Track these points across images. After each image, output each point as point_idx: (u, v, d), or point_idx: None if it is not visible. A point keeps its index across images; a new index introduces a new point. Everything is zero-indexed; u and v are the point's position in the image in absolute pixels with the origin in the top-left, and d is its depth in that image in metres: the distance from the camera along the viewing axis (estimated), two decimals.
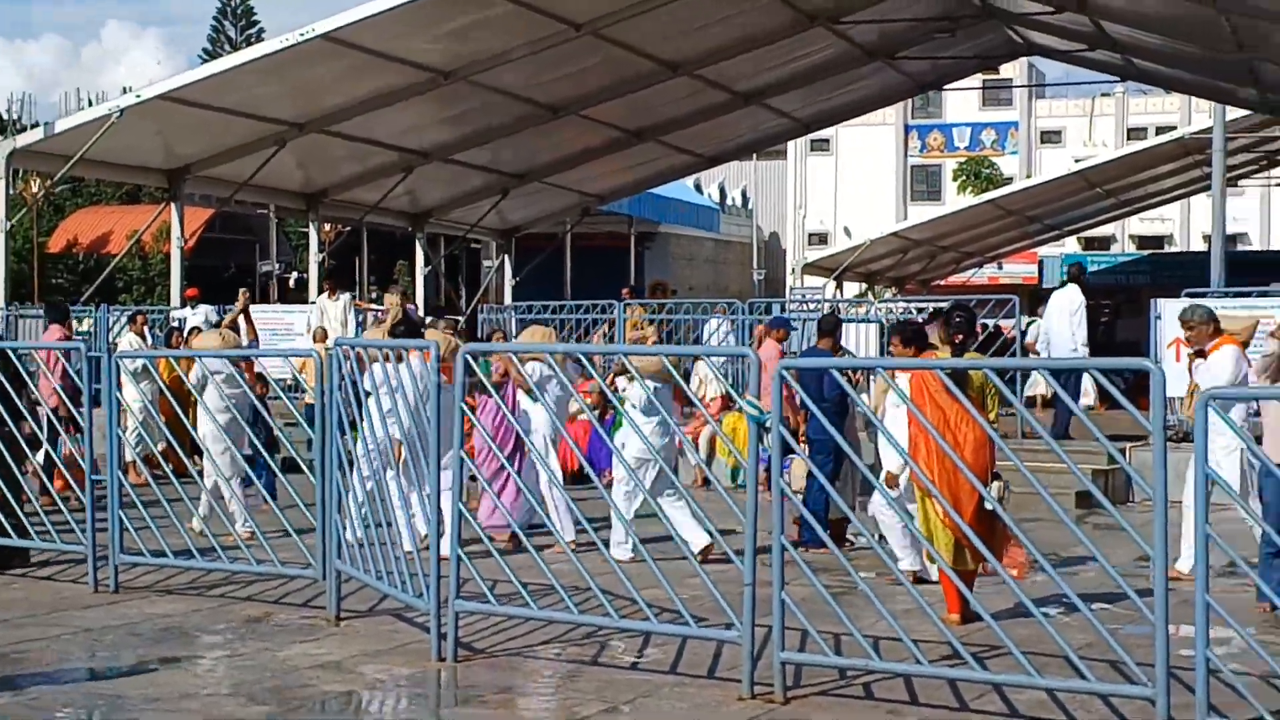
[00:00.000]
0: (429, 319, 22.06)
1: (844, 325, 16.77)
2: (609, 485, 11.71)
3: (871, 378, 13.59)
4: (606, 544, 9.71)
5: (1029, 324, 26.66)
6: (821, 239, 69.37)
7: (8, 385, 11.18)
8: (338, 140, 22.17)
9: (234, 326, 15.39)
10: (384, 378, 9.34)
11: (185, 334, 17.37)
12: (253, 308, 23.76)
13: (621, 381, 11.85)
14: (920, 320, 19.10)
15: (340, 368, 9.41)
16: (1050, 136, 72.32)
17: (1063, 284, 19.16)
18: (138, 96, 19.38)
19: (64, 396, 12.43)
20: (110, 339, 20.00)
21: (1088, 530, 9.30)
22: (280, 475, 10.65)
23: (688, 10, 19.92)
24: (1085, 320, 18.03)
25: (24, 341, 17.91)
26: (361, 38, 18.34)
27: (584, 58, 20.77)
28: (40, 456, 12.25)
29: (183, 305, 21.68)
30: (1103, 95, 70.11)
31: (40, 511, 11.36)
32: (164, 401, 13.15)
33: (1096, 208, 41.29)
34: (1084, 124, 71.13)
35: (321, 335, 19.10)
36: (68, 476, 11.57)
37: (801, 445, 11.42)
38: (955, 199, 64.66)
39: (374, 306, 23.09)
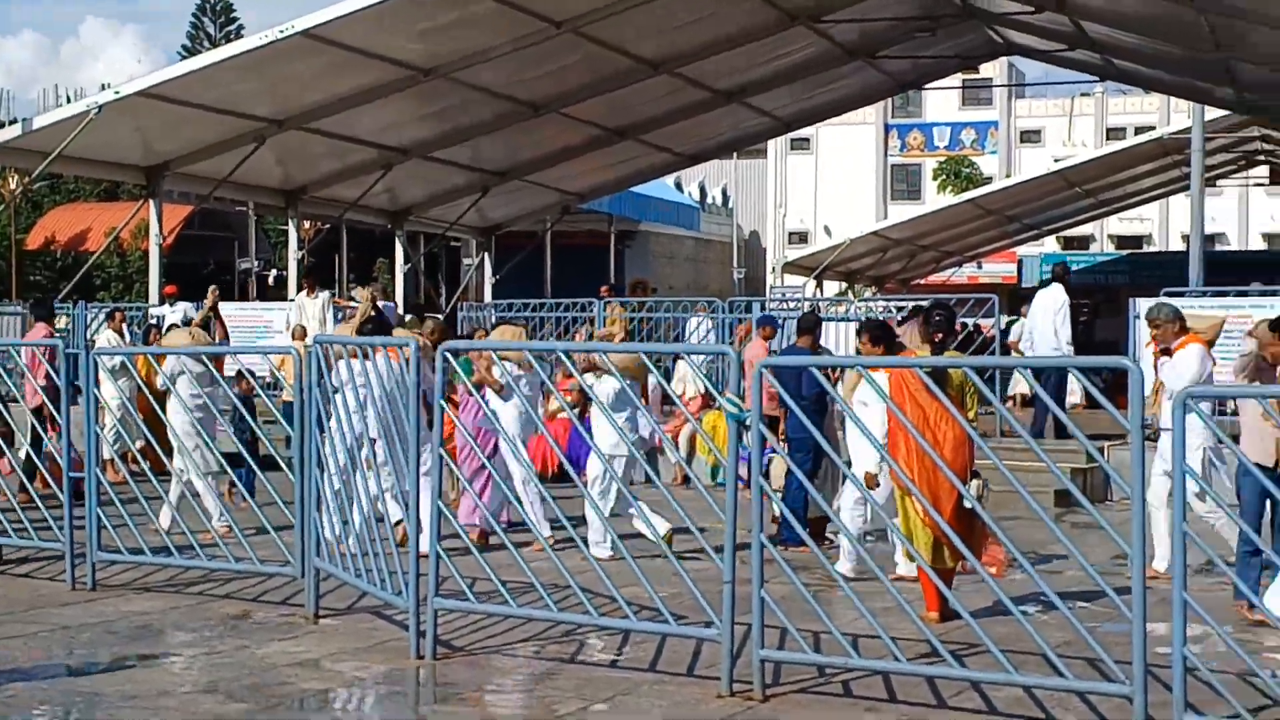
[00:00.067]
0: (408, 316, 22.08)
1: (824, 324, 16.80)
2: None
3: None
4: (585, 542, 9.71)
5: (1009, 322, 26.74)
6: (802, 238, 69.45)
7: None
8: (317, 137, 22.11)
9: (205, 325, 15.35)
10: (349, 376, 9.32)
11: (164, 331, 17.33)
12: (232, 305, 23.86)
13: (590, 378, 11.86)
14: (885, 319, 19.15)
15: (319, 365, 9.40)
16: (1030, 136, 72.49)
17: (1043, 283, 19.22)
18: (116, 93, 19.30)
19: (45, 397, 12.40)
20: (88, 336, 19.93)
21: (1066, 529, 9.33)
22: (260, 473, 10.64)
23: (668, 8, 19.92)
24: (1069, 319, 18.10)
25: (2, 339, 17.84)
26: (341, 34, 18.30)
27: (564, 55, 20.75)
28: (22, 454, 12.22)
29: (161, 303, 21.61)
30: (1082, 95, 70.28)
31: (17, 509, 11.33)
32: (142, 399, 13.12)
33: (1076, 207, 41.38)
34: (1063, 124, 71.29)
35: (301, 333, 19.05)
36: (48, 476, 11.53)
37: (781, 443, 11.44)
38: (935, 198, 64.75)
39: (353, 304, 23.03)
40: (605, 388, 11.57)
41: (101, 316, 20.54)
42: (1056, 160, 45.82)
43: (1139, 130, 51.50)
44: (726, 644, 7.41)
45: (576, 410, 13.89)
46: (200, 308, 20.08)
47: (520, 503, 11.70)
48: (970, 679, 7.43)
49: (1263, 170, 47.33)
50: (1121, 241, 65.92)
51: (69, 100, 46.39)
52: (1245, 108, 26.49)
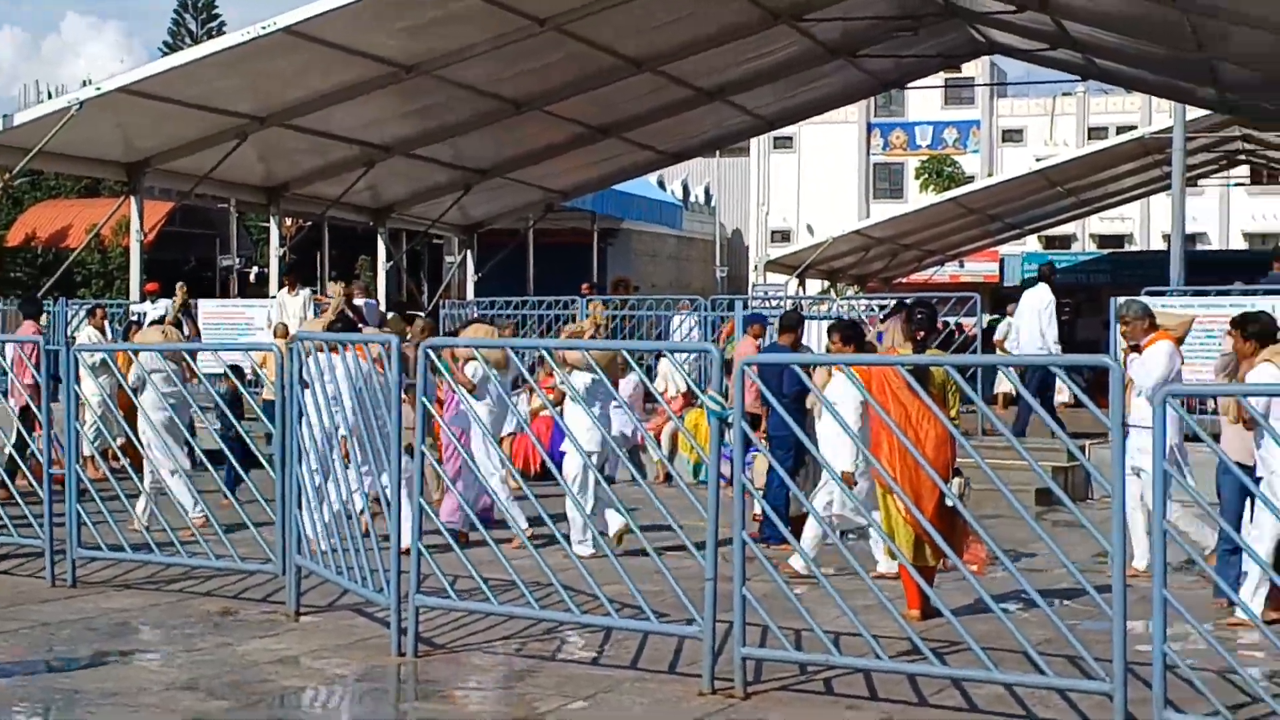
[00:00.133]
0: (390, 314, 22.02)
1: (806, 322, 16.82)
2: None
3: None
4: (568, 539, 9.70)
5: (991, 321, 26.79)
6: (784, 236, 69.50)
7: None
8: (299, 134, 22.05)
9: (177, 323, 15.31)
10: (318, 371, 9.32)
11: (145, 328, 17.29)
12: (213, 302, 23.80)
13: (559, 375, 11.88)
14: (868, 316, 19.19)
15: (300, 362, 9.38)
16: (1012, 135, 72.63)
17: (1026, 282, 19.29)
18: (97, 89, 19.22)
19: (29, 397, 12.36)
20: (69, 333, 19.86)
21: (1047, 526, 9.33)
22: (241, 471, 10.62)
23: (651, 6, 19.90)
24: (1055, 319, 18.20)
25: None
26: (323, 31, 18.25)
27: (547, 53, 20.73)
28: (4, 452, 12.18)
29: (142, 299, 21.54)
30: (1064, 94, 70.44)
31: None
32: (123, 395, 13.08)
33: (1057, 207, 41.47)
34: (1045, 123, 71.43)
35: (282, 331, 19.01)
36: (29, 476, 11.50)
37: (762, 441, 11.45)
38: (917, 197, 64.79)
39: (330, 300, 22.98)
40: (575, 383, 11.61)
41: (82, 313, 20.46)
42: (1038, 159, 45.88)
43: (1120, 130, 51.61)
44: (708, 642, 7.41)
45: (559, 409, 13.87)
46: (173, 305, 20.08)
47: (497, 496, 11.71)
48: (951, 676, 7.44)
49: (1244, 170, 47.51)
50: (1103, 241, 66.09)
51: (50, 96, 46.17)
52: (1227, 108, 26.56)
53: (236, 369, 14.42)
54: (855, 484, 10.23)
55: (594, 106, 23.91)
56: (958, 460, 9.51)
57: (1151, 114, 60.14)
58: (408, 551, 8.28)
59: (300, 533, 9.39)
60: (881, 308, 22.63)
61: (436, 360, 9.01)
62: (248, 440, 10.69)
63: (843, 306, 24.84)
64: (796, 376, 10.59)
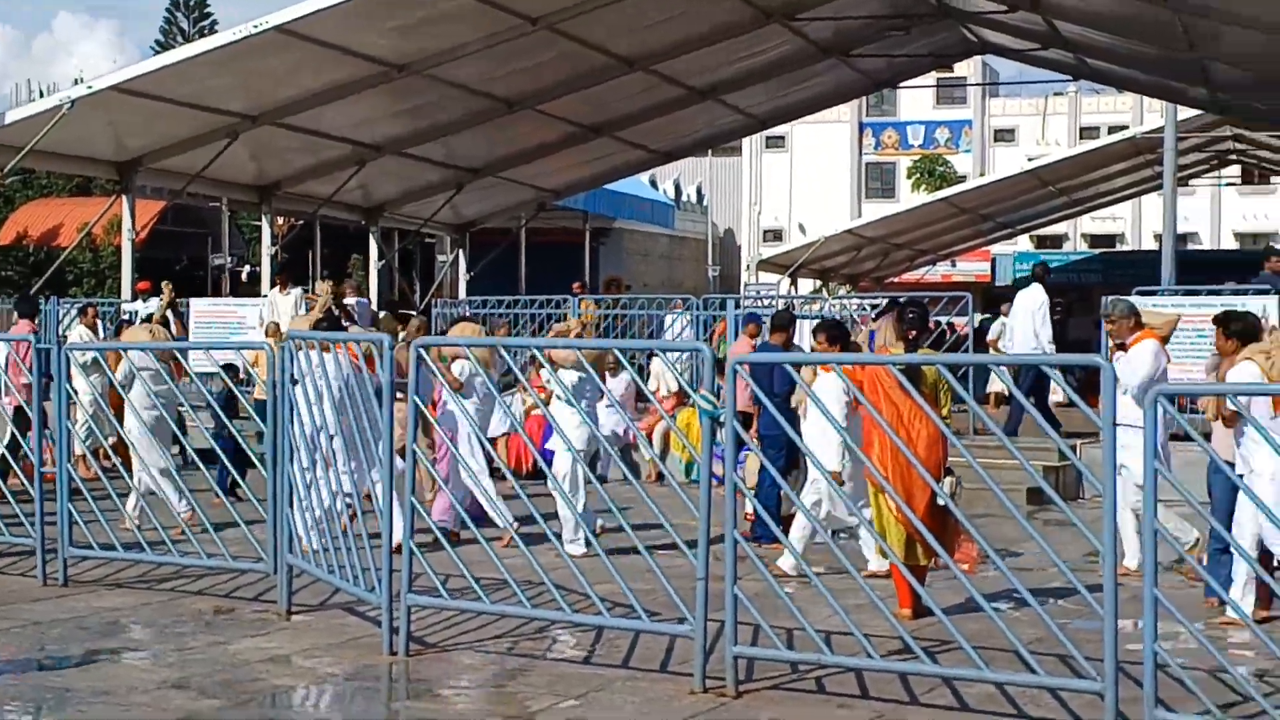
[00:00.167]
0: (383, 313, 22.01)
1: (798, 321, 16.83)
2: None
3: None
4: (559, 538, 9.72)
5: (984, 320, 26.81)
6: (776, 236, 69.52)
7: None
8: (291, 133, 22.02)
9: (164, 321, 15.28)
10: (307, 369, 9.32)
11: (132, 327, 17.26)
12: (205, 301, 23.75)
13: (545, 373, 11.91)
14: (860, 315, 19.17)
15: (292, 361, 9.38)
16: (1003, 135, 72.68)
17: (1018, 282, 19.34)
18: (89, 88, 19.19)
19: (22, 398, 12.32)
20: (60, 332, 19.81)
21: (1039, 526, 9.36)
22: (233, 469, 10.63)
23: (643, 5, 19.90)
24: (1049, 319, 18.26)
25: None
26: (315, 30, 18.22)
27: (539, 52, 20.71)
28: None
29: (134, 298, 21.50)
30: (1056, 94, 70.53)
31: None
32: (114, 394, 13.07)
33: (1049, 206, 41.51)
34: (1037, 123, 71.52)
35: (274, 330, 19.00)
36: (21, 476, 11.48)
37: (754, 440, 11.46)
38: (909, 197, 64.80)
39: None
40: (558, 384, 11.63)
41: (74, 312, 20.43)
42: (1030, 159, 45.91)
43: (1112, 129, 51.68)
44: (699, 640, 7.41)
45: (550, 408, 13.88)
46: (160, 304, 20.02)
47: (488, 494, 11.74)
48: (942, 675, 7.45)
49: (1235, 170, 47.59)
50: (1094, 240, 66.18)
51: (41, 95, 46.13)
52: (1218, 108, 26.59)
53: (231, 368, 14.42)
54: (842, 483, 10.24)
55: (586, 105, 23.90)
56: (950, 459, 9.52)
57: (1143, 114, 60.23)
58: (399, 549, 8.29)
59: (292, 532, 9.38)
60: (874, 307, 22.66)
61: (428, 359, 8.99)
62: (240, 439, 10.68)
63: (835, 306, 24.85)
64: (788, 375, 10.62)
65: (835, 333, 11.29)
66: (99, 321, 19.18)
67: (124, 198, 21.93)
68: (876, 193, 71.90)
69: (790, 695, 7.48)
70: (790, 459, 11.90)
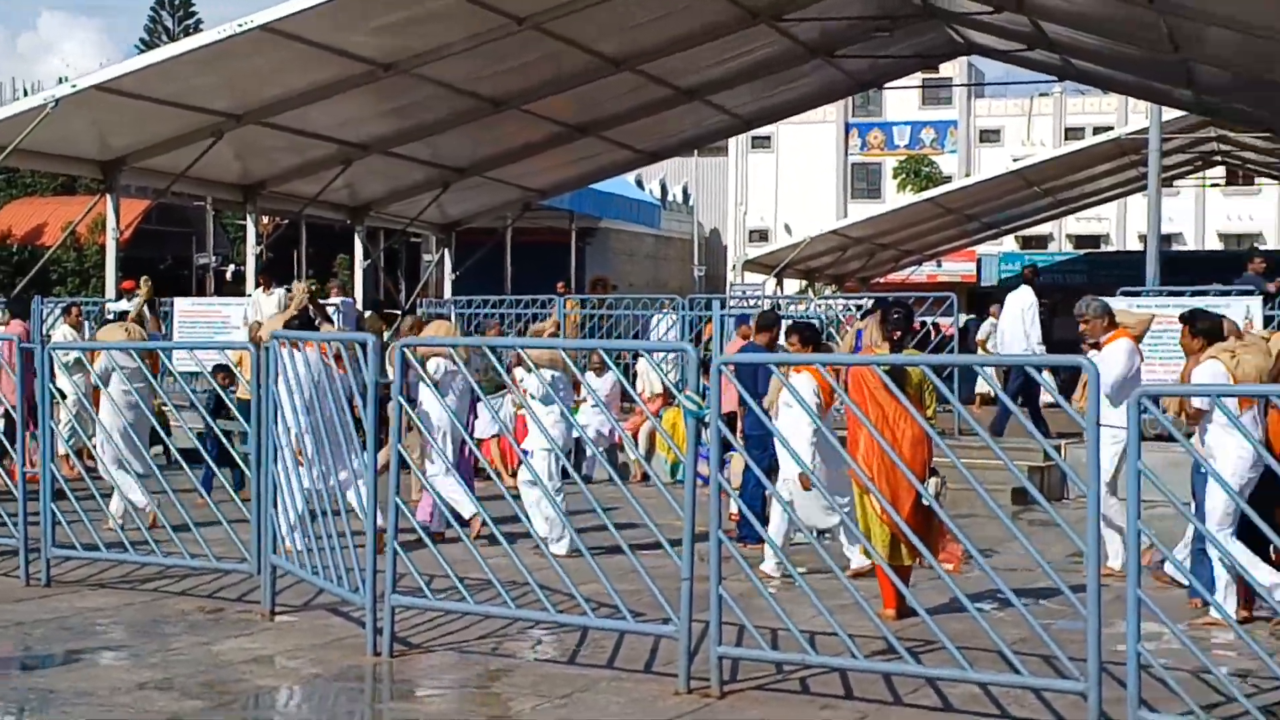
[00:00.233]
0: (368, 313, 21.99)
1: (783, 322, 16.84)
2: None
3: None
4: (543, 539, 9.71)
5: (968, 320, 26.84)
6: (762, 236, 69.56)
7: None
8: (276, 132, 21.98)
9: (139, 319, 15.24)
10: (279, 370, 9.32)
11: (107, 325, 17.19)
12: (189, 300, 23.70)
13: (520, 372, 11.92)
14: (845, 315, 19.18)
15: (276, 361, 9.35)
16: (989, 136, 72.79)
17: (1003, 282, 19.41)
18: (73, 87, 19.14)
19: (10, 399, 12.28)
20: (44, 331, 19.75)
21: (1023, 526, 9.36)
22: (217, 470, 10.60)
23: (630, 5, 19.90)
24: (1038, 320, 18.33)
25: None
26: (300, 29, 18.20)
27: (526, 52, 20.70)
28: None
29: (118, 298, 21.43)
30: (1041, 95, 70.65)
31: None
32: (98, 394, 13.02)
33: (1034, 207, 41.59)
34: (1022, 123, 71.64)
35: (256, 329, 18.97)
36: (4, 477, 11.45)
37: (739, 440, 11.46)
38: (895, 197, 64.86)
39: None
40: (531, 383, 11.65)
41: (58, 311, 20.38)
42: (1015, 160, 45.98)
43: (1097, 130, 51.79)
44: (684, 641, 7.41)
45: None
46: (157, 303, 19.93)
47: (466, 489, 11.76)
48: (926, 676, 7.45)
49: (1219, 171, 47.74)
50: (1079, 241, 66.31)
51: (26, 94, 46.02)
52: (1203, 109, 26.67)
53: (223, 368, 14.37)
54: (810, 486, 10.32)
55: (572, 105, 23.89)
56: (935, 460, 9.53)
57: (1128, 115, 60.36)
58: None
59: (275, 532, 9.36)
60: (859, 308, 22.69)
61: (412, 359, 8.98)
62: (223, 439, 10.66)
63: (820, 306, 24.87)
64: (772, 376, 10.66)
65: (808, 334, 11.35)
66: (84, 321, 19.13)
67: (108, 197, 21.88)
68: (862, 193, 71.97)
69: (775, 696, 7.47)
70: (775, 459, 11.90)
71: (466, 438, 11.29)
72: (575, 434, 12.85)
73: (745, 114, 27.87)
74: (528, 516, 10.72)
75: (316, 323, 13.95)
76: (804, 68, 25.05)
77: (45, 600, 9.89)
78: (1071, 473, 7.39)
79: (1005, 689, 7.33)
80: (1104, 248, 64.50)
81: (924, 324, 19.81)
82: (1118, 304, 16.30)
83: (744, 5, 20.95)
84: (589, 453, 17.02)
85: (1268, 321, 17.58)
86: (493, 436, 16.57)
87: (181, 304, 22.05)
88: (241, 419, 10.05)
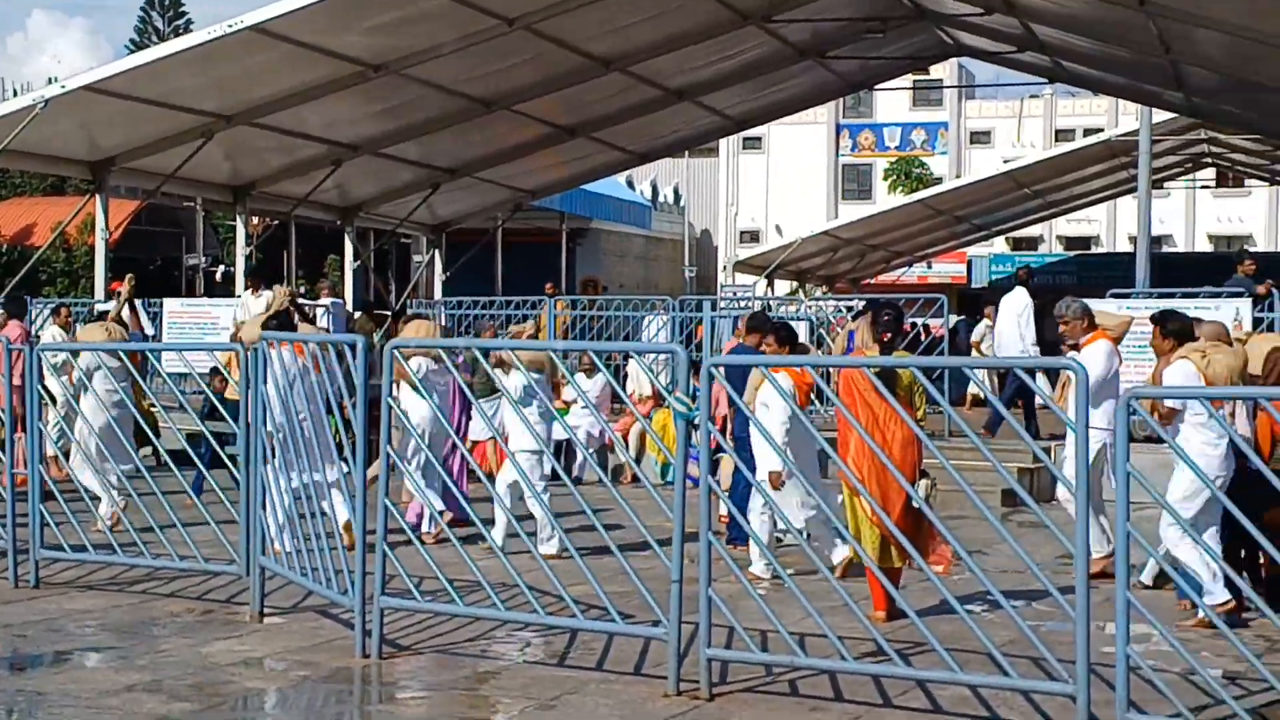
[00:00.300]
0: (358, 314, 21.96)
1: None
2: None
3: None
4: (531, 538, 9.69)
5: (958, 321, 26.86)
6: (753, 237, 69.60)
7: None
8: (266, 132, 21.95)
9: (120, 319, 15.20)
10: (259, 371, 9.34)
11: (87, 325, 17.14)
12: (179, 301, 23.65)
13: (499, 374, 11.92)
14: (835, 318, 19.17)
15: (266, 363, 9.34)
16: (980, 137, 72.89)
17: (993, 284, 19.45)
18: (63, 87, 19.11)
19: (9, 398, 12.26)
20: (33, 332, 19.70)
21: (1013, 528, 9.38)
22: (206, 472, 10.58)
23: (621, 6, 19.89)
24: (1033, 321, 18.36)
25: None
26: (290, 30, 18.17)
27: (516, 53, 20.69)
28: None
29: (107, 298, 21.39)
30: (1031, 97, 70.77)
31: None
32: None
33: (1024, 208, 41.63)
34: (1013, 125, 71.74)
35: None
36: None
37: (728, 442, 11.46)
38: (885, 198, 65.01)
39: (301, 301, 22.90)
40: (511, 383, 11.66)
41: (47, 312, 20.33)
42: (1006, 161, 46.08)
43: (1087, 132, 51.86)
44: (673, 643, 7.40)
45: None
46: (146, 304, 19.88)
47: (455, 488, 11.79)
48: (916, 678, 7.45)
49: (1209, 173, 47.84)
50: (1069, 242, 66.42)
51: (15, 94, 45.96)
52: (1192, 111, 26.71)
53: (218, 371, 14.33)
54: (782, 485, 10.36)
55: (563, 106, 23.89)
56: (925, 461, 9.54)
57: (1118, 116, 60.43)
58: (348, 527, 8.23)
59: (265, 533, 9.35)
60: (849, 309, 22.71)
61: (401, 361, 8.98)
62: (212, 441, 10.64)
63: (811, 307, 24.88)
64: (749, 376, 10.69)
65: (784, 334, 11.34)
66: (73, 322, 19.08)
67: (98, 197, 21.85)
68: (853, 194, 72.05)
69: (764, 698, 7.47)
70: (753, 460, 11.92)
71: (456, 438, 11.25)
72: (556, 435, 12.85)
73: (736, 115, 27.88)
74: (514, 517, 10.71)
75: (295, 322, 13.93)
76: (794, 69, 25.06)
77: (34, 602, 9.86)
78: (1060, 474, 7.41)
79: (995, 691, 7.33)
80: (1094, 249, 64.64)
81: (914, 325, 19.82)
82: (1105, 305, 16.39)
83: (734, 7, 20.96)
84: (579, 455, 17.01)
85: (1257, 324, 17.60)
86: (489, 439, 16.56)
87: (171, 305, 22.00)
88: (231, 421, 10.03)
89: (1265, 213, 67.32)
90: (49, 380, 12.52)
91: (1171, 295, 18.88)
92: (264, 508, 9.35)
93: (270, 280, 21.37)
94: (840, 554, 10.73)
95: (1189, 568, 9.21)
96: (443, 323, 22.63)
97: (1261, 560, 9.63)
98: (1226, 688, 7.00)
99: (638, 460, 17.52)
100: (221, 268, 43.18)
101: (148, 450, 13.33)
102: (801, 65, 24.82)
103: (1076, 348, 11.10)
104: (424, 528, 12.11)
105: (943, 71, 61.60)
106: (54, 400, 12.34)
